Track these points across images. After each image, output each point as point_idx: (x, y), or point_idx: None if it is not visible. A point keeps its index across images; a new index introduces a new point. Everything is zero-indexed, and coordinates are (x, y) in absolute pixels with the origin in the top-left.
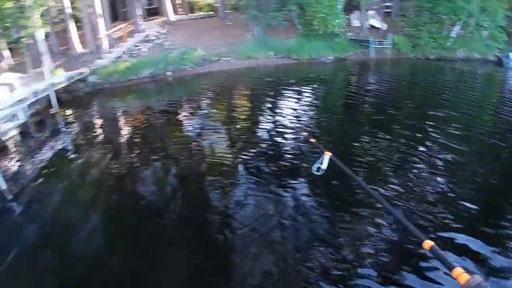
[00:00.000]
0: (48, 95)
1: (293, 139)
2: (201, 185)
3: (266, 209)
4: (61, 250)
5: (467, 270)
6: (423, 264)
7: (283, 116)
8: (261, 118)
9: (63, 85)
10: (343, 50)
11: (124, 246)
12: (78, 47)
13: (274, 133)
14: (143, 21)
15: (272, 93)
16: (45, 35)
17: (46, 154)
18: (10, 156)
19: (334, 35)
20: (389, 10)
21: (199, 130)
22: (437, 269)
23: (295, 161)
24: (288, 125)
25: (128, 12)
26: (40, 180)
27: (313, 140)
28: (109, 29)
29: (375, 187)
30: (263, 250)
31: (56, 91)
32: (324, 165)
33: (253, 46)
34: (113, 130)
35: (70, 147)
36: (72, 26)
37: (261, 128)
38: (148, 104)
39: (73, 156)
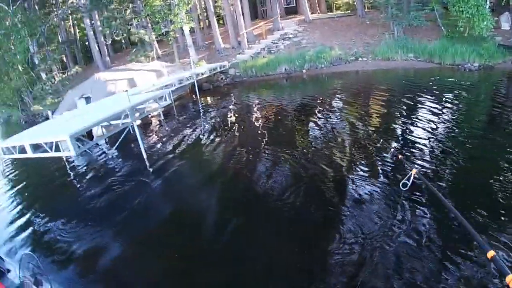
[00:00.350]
0: (191, 83)
1: (421, 154)
2: (316, 181)
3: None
4: (186, 224)
5: None
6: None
7: (416, 127)
8: (393, 126)
9: (205, 75)
10: (491, 56)
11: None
12: (221, 42)
13: (403, 142)
14: (282, 20)
15: (410, 100)
16: (191, 30)
17: (183, 133)
18: (153, 131)
19: (481, 38)
20: None
21: (326, 130)
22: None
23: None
24: (421, 137)
25: (267, 10)
26: (175, 156)
27: (400, 156)
28: (249, 27)
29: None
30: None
31: (199, 80)
32: (410, 181)
33: (392, 47)
34: (246, 119)
35: (205, 130)
36: (215, 23)
37: (390, 137)
38: (281, 99)
39: (206, 138)
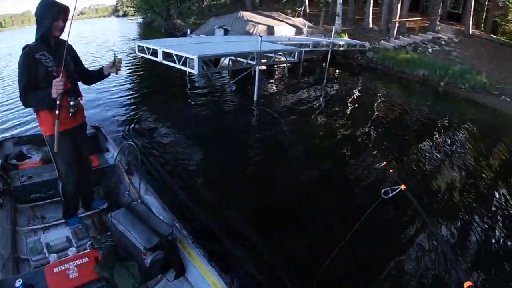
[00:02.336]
0: (326, 51)
1: None
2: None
3: None
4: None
5: None
6: None
7: None
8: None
9: (342, 48)
10: None
11: None
12: (370, 22)
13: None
14: (441, 22)
15: None
16: (344, 0)
17: (298, 93)
18: (273, 81)
19: None
20: None
21: (436, 158)
22: None
23: None
24: None
25: (430, 7)
26: (281, 107)
27: (391, 170)
28: (404, 17)
29: None
30: None
31: (334, 51)
32: (394, 192)
33: None
34: (363, 106)
35: (319, 98)
36: (371, 2)
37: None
38: (408, 102)
39: (317, 106)
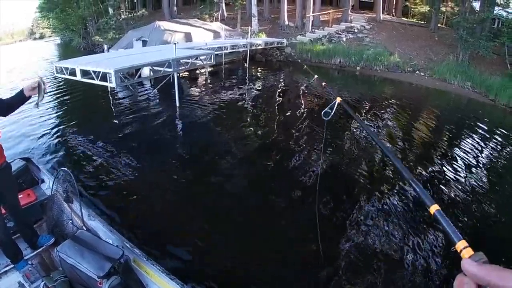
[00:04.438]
0: (245, 51)
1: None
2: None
3: None
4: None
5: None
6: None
7: (447, 159)
8: (424, 149)
9: (261, 47)
10: None
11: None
12: (286, 19)
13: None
14: (354, 13)
15: (455, 130)
16: (259, 0)
17: (222, 94)
18: (197, 85)
19: None
20: None
21: (362, 135)
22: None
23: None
24: (448, 171)
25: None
26: (205, 109)
27: (325, 83)
28: (318, 11)
29: None
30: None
31: (253, 51)
32: (333, 110)
33: (452, 69)
34: (287, 98)
35: (243, 97)
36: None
37: (417, 158)
38: (329, 90)
39: (241, 103)
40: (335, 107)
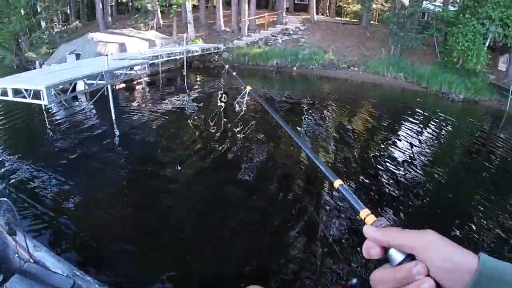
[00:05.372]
0: (182, 59)
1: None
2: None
3: None
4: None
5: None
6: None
7: (386, 147)
8: (363, 142)
9: (197, 53)
10: (477, 92)
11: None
12: (222, 25)
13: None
14: (289, 15)
15: (387, 118)
16: (195, 6)
17: (160, 103)
18: (134, 96)
19: (473, 73)
20: None
21: (301, 127)
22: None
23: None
24: (388, 154)
25: (277, 2)
26: (142, 121)
27: (235, 73)
28: (253, 15)
29: None
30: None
31: (190, 58)
32: (244, 98)
33: (385, 63)
34: (227, 103)
35: (181, 104)
36: (220, 4)
37: (357, 146)
38: (267, 91)
39: (179, 112)
40: (246, 96)
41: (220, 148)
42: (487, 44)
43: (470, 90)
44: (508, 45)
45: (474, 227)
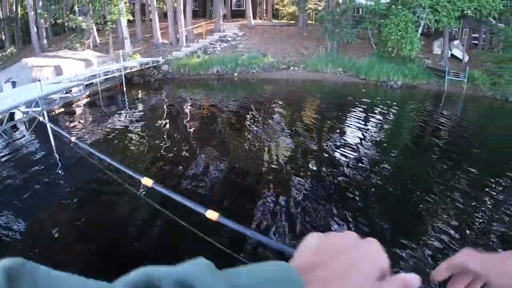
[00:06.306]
0: (121, 75)
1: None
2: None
3: None
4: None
5: None
6: None
7: (333, 138)
8: (315, 134)
9: (136, 69)
10: (414, 76)
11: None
12: (159, 37)
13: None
14: (227, 22)
15: (333, 111)
16: (131, 21)
17: (102, 125)
18: (74, 119)
19: (409, 60)
20: (476, 42)
21: (251, 130)
22: None
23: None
24: (339, 144)
25: (214, 10)
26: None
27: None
28: (190, 25)
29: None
30: None
31: (130, 74)
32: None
33: (323, 59)
34: (172, 116)
35: (126, 123)
36: (156, 17)
37: (313, 143)
38: (211, 99)
39: (122, 131)
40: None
41: (163, 162)
42: (420, 31)
43: (407, 76)
44: (441, 30)
45: (431, 200)
